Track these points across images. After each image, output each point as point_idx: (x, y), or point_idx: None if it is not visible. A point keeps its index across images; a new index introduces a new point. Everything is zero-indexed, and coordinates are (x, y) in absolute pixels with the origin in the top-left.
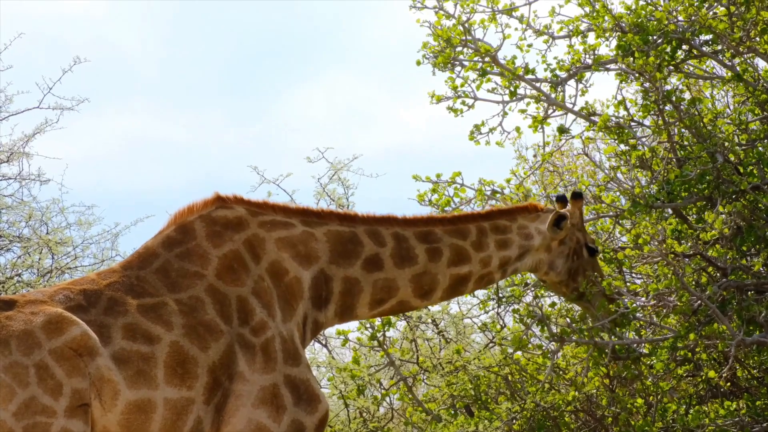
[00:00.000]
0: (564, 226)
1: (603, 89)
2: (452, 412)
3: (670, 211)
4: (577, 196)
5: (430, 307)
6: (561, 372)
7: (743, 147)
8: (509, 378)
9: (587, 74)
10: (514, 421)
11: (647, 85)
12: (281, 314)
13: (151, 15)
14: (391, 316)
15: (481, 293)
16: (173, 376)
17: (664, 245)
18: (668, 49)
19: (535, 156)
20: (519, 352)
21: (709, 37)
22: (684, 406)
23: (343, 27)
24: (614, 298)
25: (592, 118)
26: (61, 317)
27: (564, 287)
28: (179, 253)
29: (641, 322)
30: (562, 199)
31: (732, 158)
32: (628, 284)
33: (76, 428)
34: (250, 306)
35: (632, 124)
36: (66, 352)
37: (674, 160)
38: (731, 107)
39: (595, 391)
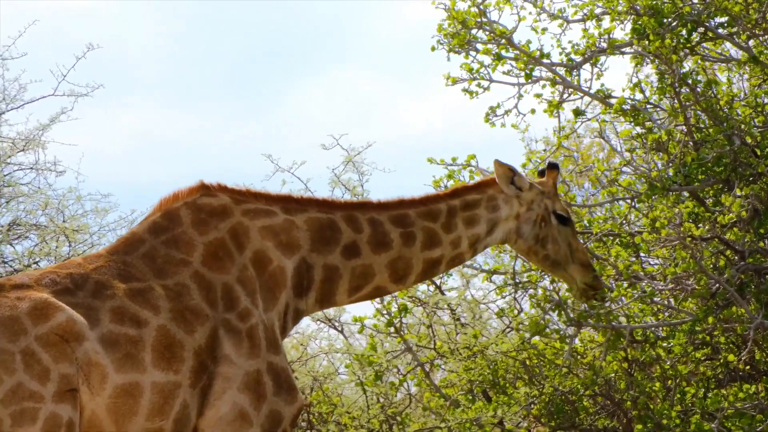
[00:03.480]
0: (520, 182)
1: (618, 73)
2: (470, 397)
3: (686, 194)
4: (553, 166)
5: (447, 293)
6: (579, 356)
7: (760, 129)
8: (527, 363)
9: (602, 58)
10: (532, 405)
11: (663, 67)
12: (263, 304)
13: (161, 11)
14: (408, 303)
15: (498, 279)
16: (160, 360)
17: (682, 228)
18: (683, 32)
19: (544, 150)
20: (537, 337)
21: (724, 19)
22: (702, 390)
23: (349, 24)
24: (594, 270)
25: (608, 101)
26: (47, 303)
27: (533, 255)
28: (165, 240)
29: (659, 306)
30: (541, 173)
31: (749, 141)
32: (645, 268)
33: (65, 413)
34: (236, 293)
35: (648, 106)
36: (52, 338)
37: (691, 143)
38: (746, 90)
39: (613, 375)
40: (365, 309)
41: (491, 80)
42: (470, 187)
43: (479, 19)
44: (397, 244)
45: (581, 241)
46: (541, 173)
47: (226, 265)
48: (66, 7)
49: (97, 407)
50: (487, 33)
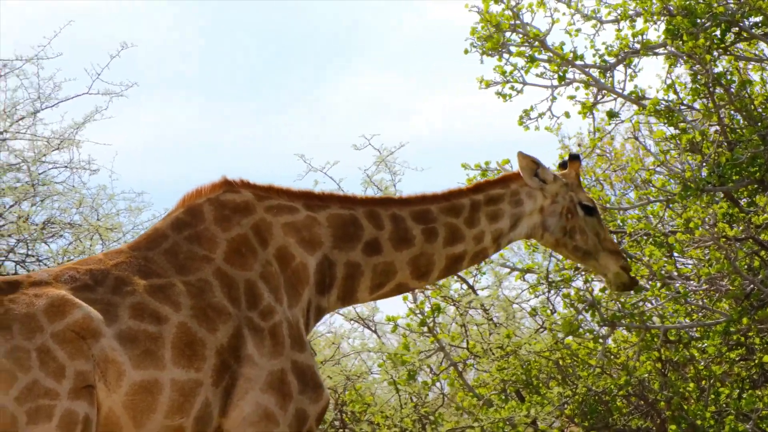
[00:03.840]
0: (543, 175)
1: (651, 74)
2: (503, 396)
3: (720, 194)
4: (575, 157)
5: (480, 292)
6: (612, 356)
7: None
8: (560, 362)
9: (635, 59)
10: (565, 405)
11: (697, 68)
12: (287, 300)
13: (161, 12)
14: (441, 302)
15: (531, 278)
16: (181, 357)
17: (716, 229)
18: (717, 32)
19: (579, 146)
20: (570, 337)
21: (759, 18)
22: (737, 390)
23: (351, 26)
24: (624, 256)
25: (642, 102)
26: (63, 300)
27: (563, 247)
28: (188, 236)
29: (693, 306)
30: (563, 165)
31: None
32: (679, 268)
33: (81, 409)
34: (258, 290)
35: (682, 107)
36: (68, 335)
37: (725, 143)
38: None
39: (647, 375)
40: (398, 308)
41: (524, 83)
42: (494, 182)
43: (512, 22)
44: (419, 241)
45: (615, 239)
46: (563, 165)
47: (249, 262)
48: (66, 7)
49: (114, 404)
50: (521, 36)
